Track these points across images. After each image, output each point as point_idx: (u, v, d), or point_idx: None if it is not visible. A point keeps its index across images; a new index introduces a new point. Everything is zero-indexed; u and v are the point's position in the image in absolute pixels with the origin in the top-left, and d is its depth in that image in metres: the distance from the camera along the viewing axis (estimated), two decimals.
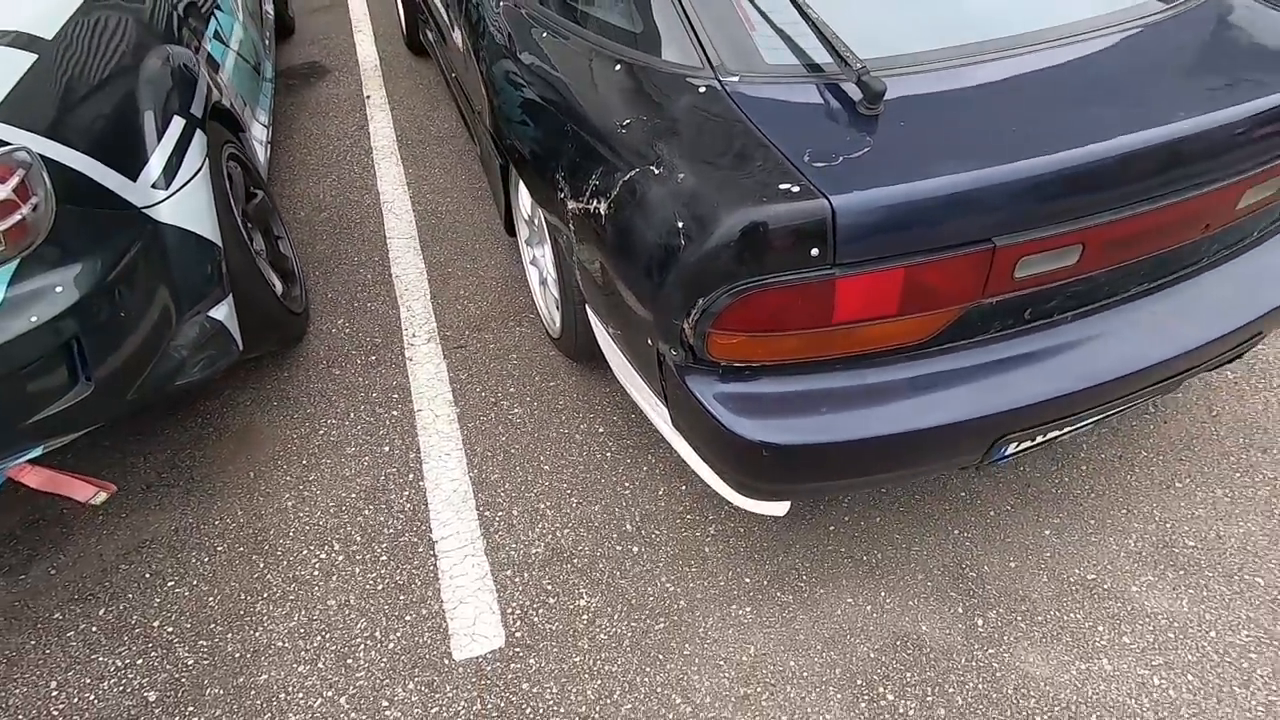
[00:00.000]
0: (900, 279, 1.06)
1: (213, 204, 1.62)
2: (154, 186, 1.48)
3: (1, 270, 1.17)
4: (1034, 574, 1.53)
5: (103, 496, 1.42)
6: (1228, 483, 1.68)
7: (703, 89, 1.21)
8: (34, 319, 1.18)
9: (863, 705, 1.34)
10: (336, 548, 1.62)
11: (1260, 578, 1.50)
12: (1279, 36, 1.34)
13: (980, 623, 1.45)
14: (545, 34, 1.54)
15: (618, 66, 1.33)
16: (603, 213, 1.25)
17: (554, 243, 1.64)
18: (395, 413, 1.92)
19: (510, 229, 2.27)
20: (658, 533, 1.63)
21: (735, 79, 1.20)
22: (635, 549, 1.60)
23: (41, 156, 1.23)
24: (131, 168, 1.44)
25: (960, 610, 1.47)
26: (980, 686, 1.36)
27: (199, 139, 1.64)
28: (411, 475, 1.77)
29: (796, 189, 1.01)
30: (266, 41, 3.11)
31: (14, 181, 1.16)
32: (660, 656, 1.42)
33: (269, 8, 3.49)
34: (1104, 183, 1.08)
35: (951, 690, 1.35)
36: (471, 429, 1.87)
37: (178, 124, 1.59)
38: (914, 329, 1.15)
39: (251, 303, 1.76)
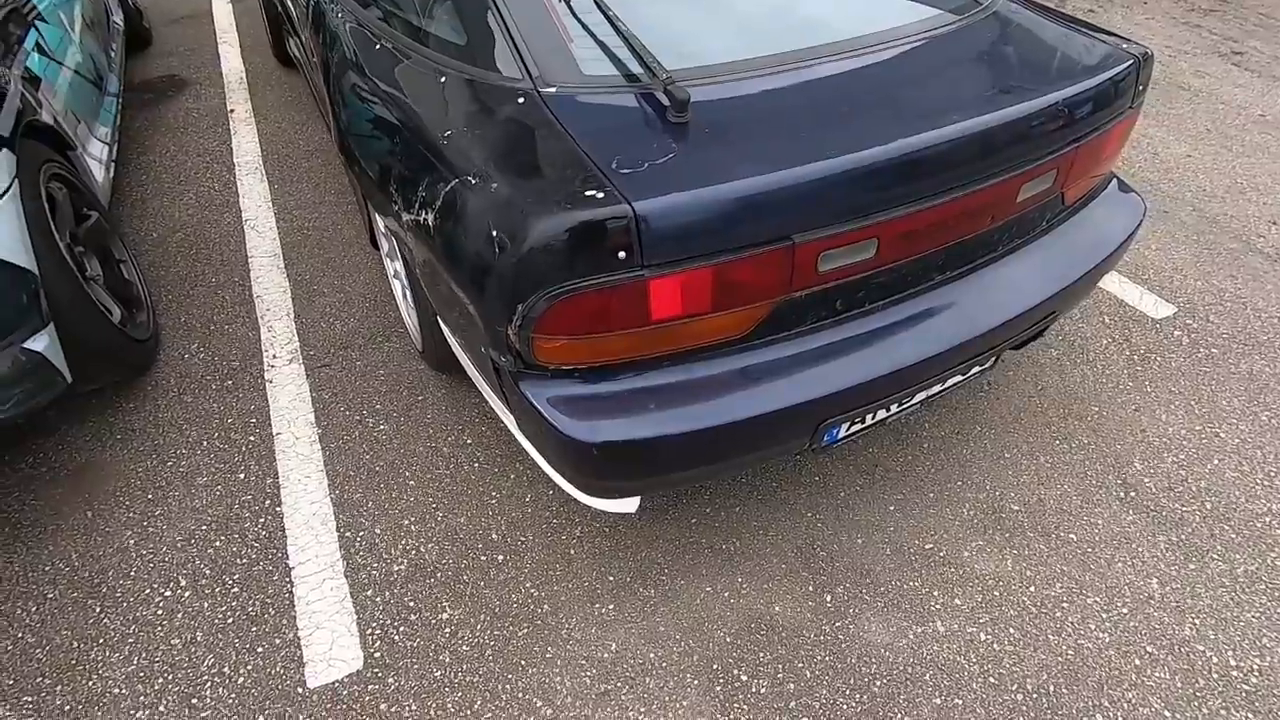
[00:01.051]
0: (710, 277, 1.12)
1: (24, 228, 1.52)
2: None
3: None
4: (879, 548, 1.62)
5: None
6: (1049, 450, 1.84)
7: (521, 99, 1.23)
8: None
9: (718, 689, 1.39)
10: (183, 583, 1.55)
11: (1074, 534, 1.65)
12: (1047, 46, 1.49)
13: (829, 599, 1.53)
14: (381, 48, 1.53)
15: (442, 79, 1.34)
16: (430, 224, 1.25)
17: (400, 252, 1.63)
18: (252, 438, 1.85)
19: (375, 243, 2.23)
20: (524, 539, 1.64)
21: (553, 90, 1.23)
22: (500, 557, 1.60)
23: None
24: None
25: (810, 589, 1.55)
26: (826, 659, 1.43)
27: (5, 159, 1.53)
28: (268, 501, 1.70)
29: (601, 194, 1.05)
30: (112, 53, 2.93)
31: None
32: (522, 662, 1.42)
33: (118, 18, 3.30)
34: (889, 181, 1.17)
35: (800, 665, 1.42)
36: (334, 449, 1.82)
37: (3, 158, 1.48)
38: (730, 324, 1.20)
39: (82, 332, 1.66)
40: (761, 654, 1.44)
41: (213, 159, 2.92)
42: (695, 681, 1.40)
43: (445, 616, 1.49)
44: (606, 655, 1.44)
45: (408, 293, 1.89)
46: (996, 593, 1.54)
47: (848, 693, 1.38)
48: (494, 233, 1.09)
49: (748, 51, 1.31)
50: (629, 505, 1.39)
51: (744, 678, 1.41)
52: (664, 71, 1.18)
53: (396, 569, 1.58)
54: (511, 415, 1.34)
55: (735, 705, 1.37)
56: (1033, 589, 1.55)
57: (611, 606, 1.52)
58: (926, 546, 1.63)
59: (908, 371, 1.30)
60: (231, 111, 3.24)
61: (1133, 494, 1.73)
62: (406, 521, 1.67)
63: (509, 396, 1.28)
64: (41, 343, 1.53)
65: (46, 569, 1.57)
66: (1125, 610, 1.51)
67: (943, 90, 1.31)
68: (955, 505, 1.71)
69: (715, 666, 1.42)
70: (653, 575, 1.57)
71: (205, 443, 1.84)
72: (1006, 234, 1.44)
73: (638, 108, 1.21)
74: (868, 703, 1.37)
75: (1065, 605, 1.52)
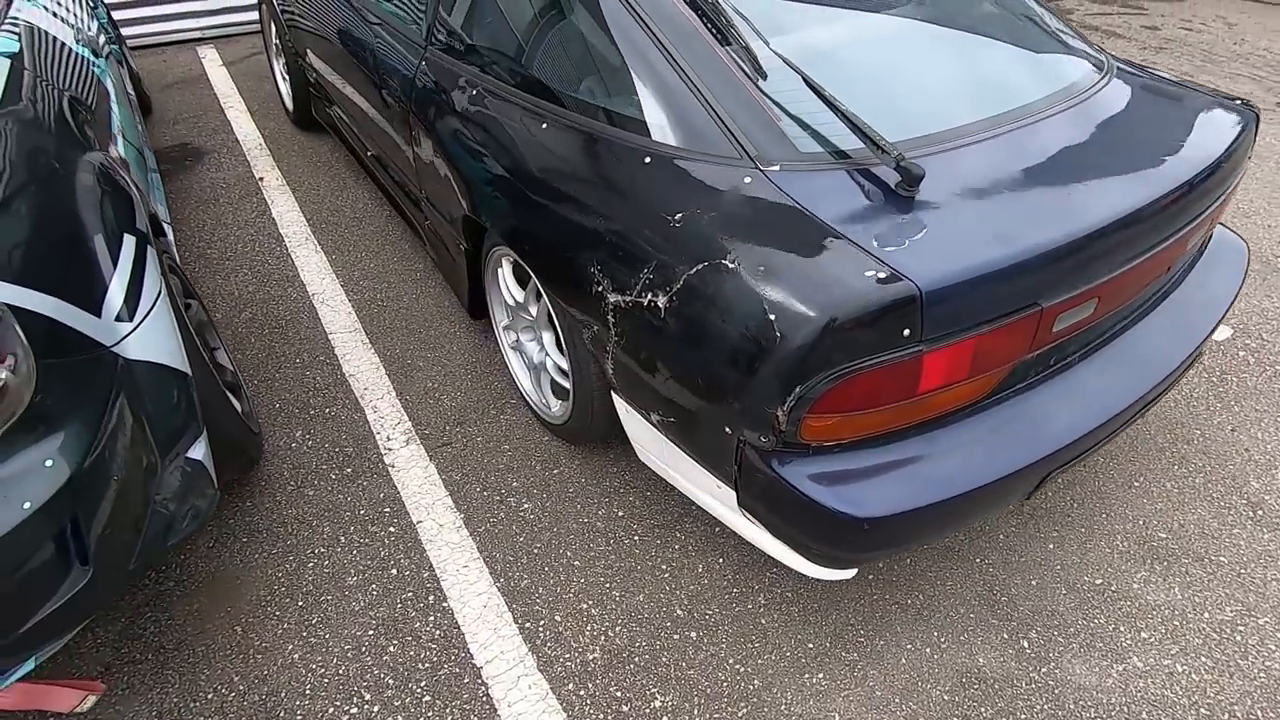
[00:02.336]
0: (972, 347, 1.15)
1: (177, 330, 1.42)
2: (118, 319, 1.27)
3: None
4: (1054, 588, 1.66)
5: (91, 700, 1.18)
6: (1170, 475, 1.93)
7: (748, 179, 1.24)
8: (27, 505, 0.96)
9: None
10: (367, 697, 1.44)
11: (1223, 556, 1.73)
12: (1182, 105, 1.60)
13: (1026, 645, 1.56)
14: (550, 128, 1.51)
15: (647, 160, 1.34)
16: (662, 306, 1.24)
17: (568, 331, 1.59)
18: (392, 529, 1.76)
19: (476, 313, 2.18)
20: (710, 612, 1.60)
21: (776, 168, 1.25)
22: (693, 634, 1.56)
23: (8, 306, 1.03)
24: (94, 302, 1.23)
25: (1005, 636, 1.57)
26: (1046, 707, 1.45)
27: (152, 257, 1.44)
28: (431, 597, 1.62)
29: (883, 275, 1.07)
30: (139, 125, 2.80)
31: None
32: None
33: (130, 87, 3.15)
34: (1118, 242, 1.23)
35: (1024, 717, 1.44)
36: (483, 534, 1.75)
37: (129, 244, 1.39)
38: (976, 389, 1.23)
39: (221, 430, 1.56)
40: (983, 708, 1.45)
41: (257, 231, 2.80)
42: None
43: (658, 705, 1.44)
44: None
45: (545, 365, 1.85)
46: (1176, 623, 1.60)
47: None
48: (770, 317, 1.09)
49: (942, 121, 1.37)
50: (850, 572, 1.39)
51: None
52: (893, 147, 1.21)
53: (591, 658, 1.51)
54: (737, 492, 1.32)
55: None
56: (1206, 615, 1.61)
57: (821, 675, 1.50)
58: (1096, 582, 1.68)
59: (1117, 418, 1.35)
60: (261, 180, 3.13)
61: (1260, 512, 1.84)
62: (585, 605, 1.61)
63: (746, 475, 1.26)
64: (200, 449, 1.42)
65: (209, 697, 1.44)
66: None
67: (1127, 150, 1.39)
68: (1107, 538, 1.77)
69: None
70: (850, 637, 1.56)
71: (343, 538, 1.73)
72: (1170, 283, 1.53)
73: (867, 183, 1.24)
74: None
75: (1241, 629, 1.59)
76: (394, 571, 1.67)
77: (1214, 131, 1.49)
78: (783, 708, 1.44)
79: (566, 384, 1.78)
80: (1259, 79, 4.43)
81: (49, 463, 1.01)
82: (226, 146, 3.38)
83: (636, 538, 1.75)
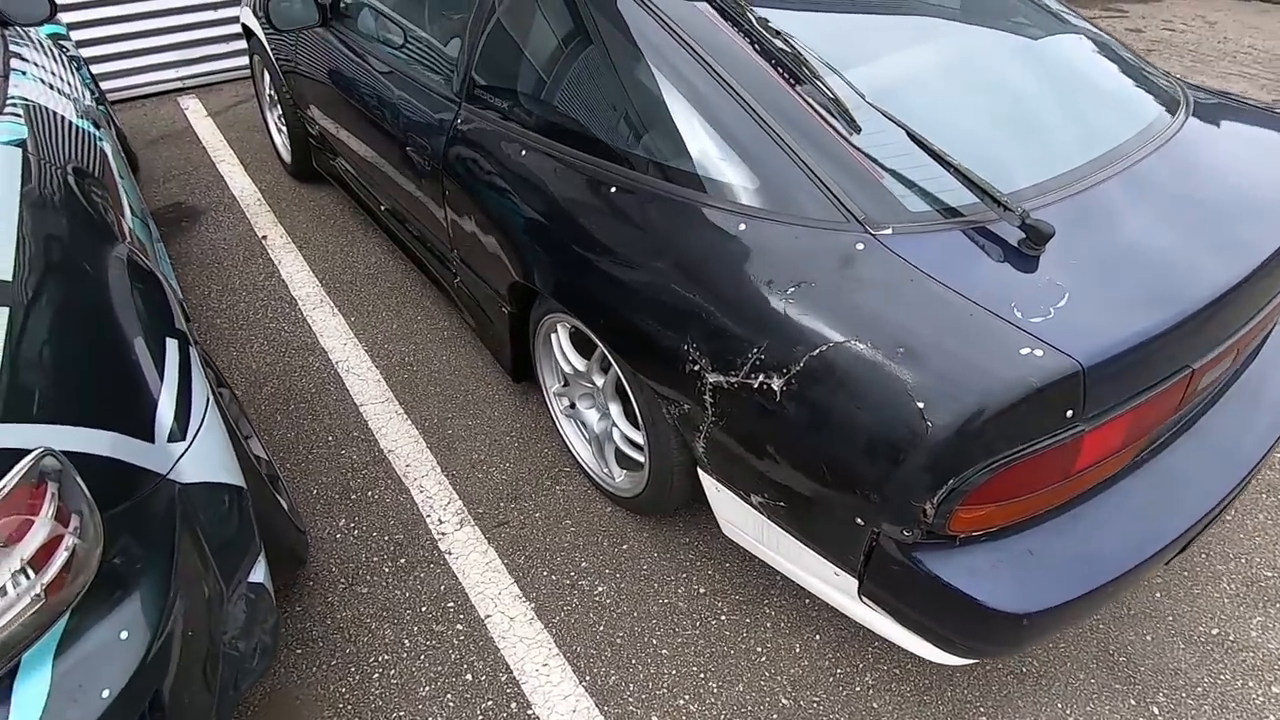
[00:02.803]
0: (1130, 419, 1.05)
1: (227, 437, 1.29)
2: (170, 440, 1.14)
3: (44, 643, 0.81)
4: (1170, 642, 1.57)
5: None
6: (1261, 505, 1.86)
7: (860, 246, 1.15)
8: (105, 694, 0.83)
9: None
10: None
11: None
12: (1262, 131, 1.54)
13: (1155, 710, 1.46)
14: (618, 192, 1.41)
15: (742, 226, 1.24)
16: (777, 389, 1.14)
17: (646, 405, 1.48)
18: (459, 627, 1.62)
19: (519, 376, 2.06)
20: (817, 699, 1.49)
21: (889, 231, 1.15)
22: None
23: (64, 454, 0.89)
24: (146, 426, 1.09)
25: (1133, 702, 1.47)
26: None
27: (195, 360, 1.30)
28: (514, 705, 1.48)
29: (1040, 352, 0.97)
30: (138, 191, 2.64)
31: (49, 507, 0.82)
32: None
33: (120, 148, 3.00)
34: (1257, 293, 1.15)
35: None
36: (558, 626, 1.62)
37: (172, 349, 1.25)
38: (1121, 460, 1.14)
39: (273, 539, 1.42)
40: None
41: (267, 295, 2.66)
42: None
43: None
44: None
45: (611, 435, 1.74)
46: None
47: None
48: (918, 405, 0.99)
49: (1046, 168, 1.28)
50: (974, 658, 1.29)
51: None
52: (1013, 201, 1.13)
53: None
54: (860, 581, 1.21)
55: None
56: None
57: None
58: (1213, 632, 1.59)
59: (1255, 468, 1.27)
60: (265, 238, 2.98)
61: None
62: (681, 701, 1.49)
63: (878, 566, 1.16)
64: (260, 571, 1.29)
65: None
66: None
67: (1234, 187, 1.32)
68: (1213, 580, 1.69)
69: None
70: (970, 716, 1.46)
71: (407, 642, 1.59)
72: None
73: (987, 243, 1.15)
74: None
75: None
76: (469, 677, 1.53)
77: None
78: None
79: (636, 456, 1.67)
80: (1250, 76, 4.47)
81: (124, 634, 0.87)
82: (223, 204, 3.23)
83: (723, 617, 1.63)
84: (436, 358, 2.36)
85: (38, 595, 0.79)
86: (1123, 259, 1.14)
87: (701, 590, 1.69)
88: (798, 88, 1.29)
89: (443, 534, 1.82)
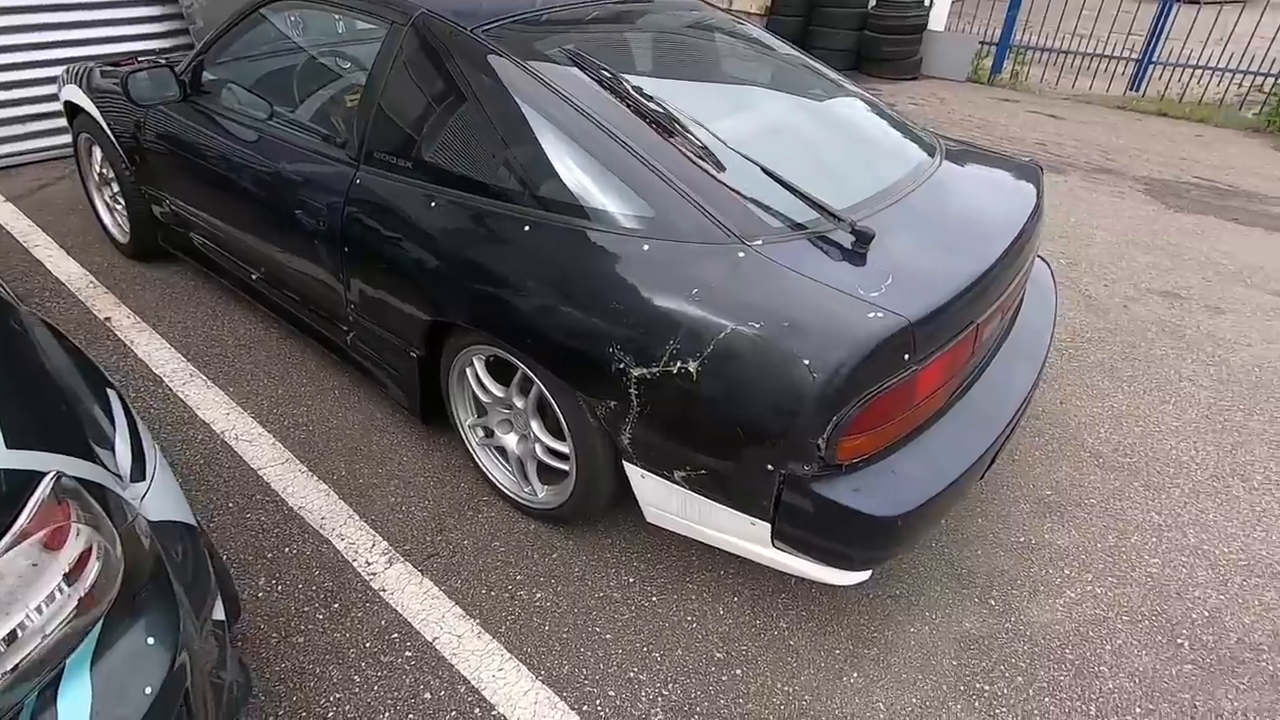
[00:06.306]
0: (945, 361, 1.45)
1: (177, 481, 1.31)
2: (134, 480, 1.16)
3: (81, 651, 0.84)
4: (994, 552, 2.01)
5: None
6: (1034, 444, 2.42)
7: (742, 254, 1.47)
8: (148, 690, 0.86)
9: (976, 704, 1.63)
10: None
11: (1091, 498, 2.21)
12: (995, 171, 2.12)
13: (993, 603, 1.87)
14: (532, 230, 1.64)
15: (646, 247, 1.52)
16: (694, 371, 1.41)
17: (571, 413, 1.68)
18: (408, 653, 1.67)
19: (428, 417, 2.16)
20: (745, 648, 1.72)
21: (760, 242, 1.49)
22: (738, 671, 1.67)
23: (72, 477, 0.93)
24: (115, 465, 1.12)
25: (977, 600, 1.87)
26: (1025, 649, 1.75)
27: (132, 408, 1.32)
28: (478, 710, 1.56)
29: (882, 315, 1.34)
30: None
31: (76, 523, 0.86)
32: None
33: None
34: (1006, 268, 1.63)
35: (1013, 661, 1.72)
36: (507, 633, 1.72)
37: (114, 397, 1.26)
38: (946, 392, 1.54)
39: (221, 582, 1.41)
40: (983, 663, 1.71)
41: (127, 375, 2.50)
42: (955, 705, 1.62)
43: None
44: (882, 715, 1.59)
45: (529, 454, 1.90)
46: (1083, 557, 2.01)
47: (1050, 665, 1.71)
48: (805, 363, 1.31)
49: (858, 191, 1.71)
50: (867, 573, 1.60)
51: (986, 687, 1.66)
52: (846, 215, 1.52)
53: (656, 719, 1.56)
54: (774, 524, 1.49)
55: (997, 711, 1.61)
56: (1098, 544, 2.05)
57: (855, 675, 1.68)
58: (1021, 539, 2.06)
59: (1026, 398, 1.74)
60: (108, 320, 2.80)
61: (1102, 459, 2.37)
62: (631, 673, 1.65)
63: (786, 505, 1.44)
64: (220, 609, 1.30)
65: None
66: (1176, 535, 2.08)
67: (987, 201, 1.83)
68: (1014, 504, 2.18)
69: (960, 686, 1.66)
70: (866, 636, 1.77)
71: (356, 677, 1.61)
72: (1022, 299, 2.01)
73: (828, 246, 1.52)
74: (1066, 671, 1.71)
75: (1123, 548, 2.04)
76: (427, 695, 1.59)
77: (1030, 177, 2.01)
78: (836, 711, 1.60)
79: (561, 465, 1.84)
80: (974, 136, 5.70)
81: (150, 640, 0.91)
82: (49, 289, 2.98)
83: (655, 598, 1.83)
84: (333, 415, 2.37)
85: (80, 602, 0.83)
86: (921, 252, 1.57)
87: (631, 580, 1.88)
88: (674, 139, 1.62)
89: (373, 574, 1.85)
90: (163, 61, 2.49)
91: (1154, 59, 6.96)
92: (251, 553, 1.89)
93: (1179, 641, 1.79)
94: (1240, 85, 6.72)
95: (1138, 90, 7.05)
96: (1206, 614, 1.87)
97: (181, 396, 2.42)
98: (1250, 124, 6.35)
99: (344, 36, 2.82)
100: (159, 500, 1.20)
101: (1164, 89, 6.94)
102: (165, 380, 2.49)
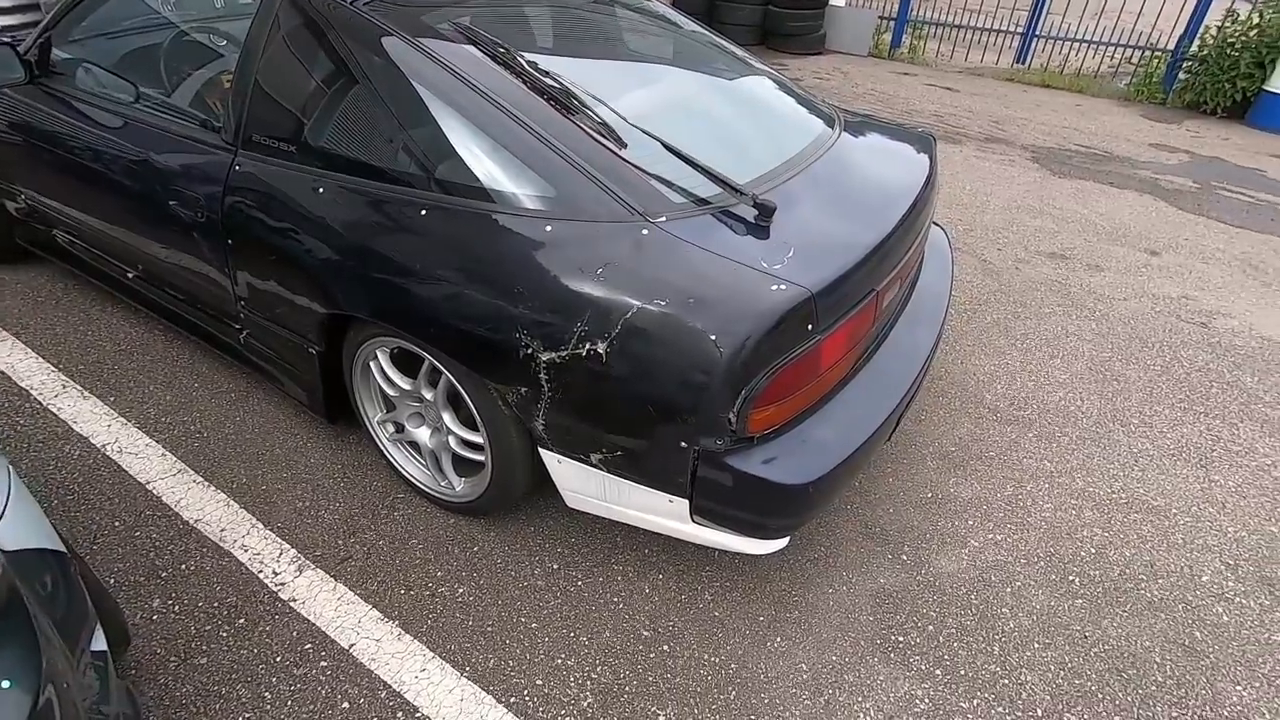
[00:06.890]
0: (847, 329, 1.48)
1: (38, 505, 1.19)
2: None
3: None
4: (904, 509, 2.10)
5: None
6: (937, 404, 2.54)
7: (645, 232, 1.45)
8: None
9: (893, 656, 1.70)
10: None
11: (990, 451, 2.34)
12: (889, 139, 2.17)
13: (905, 557, 1.95)
14: (430, 214, 1.56)
15: (548, 228, 1.48)
16: (602, 352, 1.39)
17: (483, 403, 1.63)
18: (323, 663, 1.60)
19: (334, 416, 2.06)
20: (671, 623, 1.74)
21: (663, 219, 1.48)
22: (665, 647, 1.68)
23: None
24: None
25: (890, 556, 1.95)
26: (935, 599, 1.84)
27: None
28: (401, 714, 1.51)
29: (784, 287, 1.35)
30: None
31: None
32: (751, 716, 1.55)
33: None
34: (903, 236, 1.68)
35: (925, 611, 1.81)
36: (428, 632, 1.67)
37: None
38: (849, 361, 1.58)
39: (98, 609, 1.30)
40: (898, 616, 1.79)
41: None
42: (874, 658, 1.69)
43: (664, 718, 1.54)
44: (805, 676, 1.64)
45: (445, 446, 1.84)
46: (984, 507, 2.13)
47: (957, 612, 1.81)
48: (711, 338, 1.31)
49: (760, 166, 1.72)
50: (785, 540, 1.64)
51: (901, 638, 1.74)
52: (749, 190, 1.52)
53: (586, 704, 1.55)
54: (692, 500, 1.49)
55: (911, 660, 1.69)
56: (998, 495, 2.17)
57: (779, 639, 1.72)
58: (928, 495, 2.16)
59: (926, 360, 1.82)
60: None
61: (999, 414, 2.51)
62: (559, 660, 1.64)
63: (703, 480, 1.45)
64: (100, 640, 1.20)
65: None
66: (1065, 481, 2.22)
67: (884, 171, 1.88)
68: (920, 460, 2.28)
69: (878, 641, 1.73)
70: (788, 601, 1.81)
71: (267, 694, 1.53)
72: (920, 266, 2.08)
73: (732, 220, 1.52)
74: (972, 616, 1.81)
75: (1020, 497, 2.17)
76: (345, 705, 1.52)
77: (924, 147, 2.08)
78: (761, 676, 1.64)
79: (476, 456, 1.79)
80: (875, 109, 5.87)
81: (6, 684, 0.82)
82: None
83: (580, 583, 1.82)
84: (229, 420, 2.23)
85: None
86: (821, 223, 1.59)
87: (555, 566, 1.86)
88: (574, 116, 1.58)
89: (282, 584, 1.76)
90: (4, 40, 2.23)
91: (1037, 33, 7.36)
92: (143, 573, 1.76)
93: (1070, 579, 1.93)
94: (1113, 58, 7.20)
95: (1023, 63, 7.44)
96: (1093, 551, 2.02)
97: (54, 410, 2.22)
98: (1123, 94, 6.83)
99: (216, 9, 2.61)
100: (15, 528, 1.09)
101: (1046, 61, 7.36)
102: (33, 393, 2.27)
